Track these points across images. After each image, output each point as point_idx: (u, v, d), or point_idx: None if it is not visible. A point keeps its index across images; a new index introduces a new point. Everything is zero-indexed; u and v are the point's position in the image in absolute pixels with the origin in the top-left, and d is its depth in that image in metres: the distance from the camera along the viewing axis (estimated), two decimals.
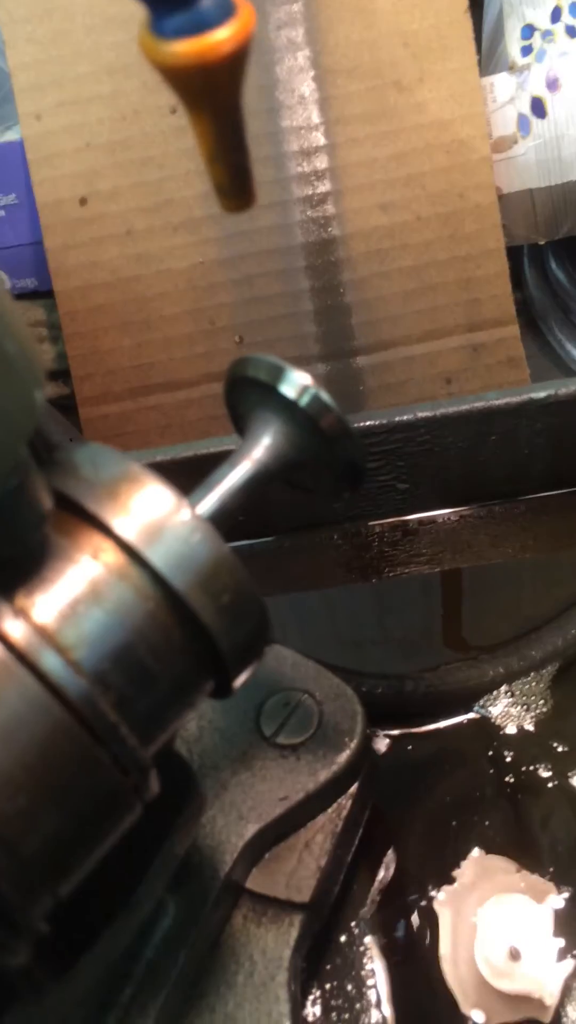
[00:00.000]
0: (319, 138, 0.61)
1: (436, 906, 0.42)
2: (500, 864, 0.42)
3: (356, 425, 0.51)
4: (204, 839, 0.37)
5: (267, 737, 0.39)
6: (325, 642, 0.57)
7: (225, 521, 0.29)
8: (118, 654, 0.23)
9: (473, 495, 0.57)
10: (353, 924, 0.42)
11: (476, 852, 0.44)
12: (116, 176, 0.61)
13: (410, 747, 0.48)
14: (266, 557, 0.60)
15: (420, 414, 0.51)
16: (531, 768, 0.45)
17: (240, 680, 0.27)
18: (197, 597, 0.24)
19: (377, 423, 0.51)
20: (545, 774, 0.45)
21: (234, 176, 0.23)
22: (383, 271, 0.62)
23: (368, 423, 0.51)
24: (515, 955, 0.39)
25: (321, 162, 0.61)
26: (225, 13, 0.21)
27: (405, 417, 0.51)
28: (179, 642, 0.25)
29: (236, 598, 0.25)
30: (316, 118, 0.61)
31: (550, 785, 0.45)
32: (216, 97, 0.22)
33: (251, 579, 0.25)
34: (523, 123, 0.64)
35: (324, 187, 0.61)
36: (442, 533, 0.59)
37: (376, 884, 0.44)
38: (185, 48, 0.21)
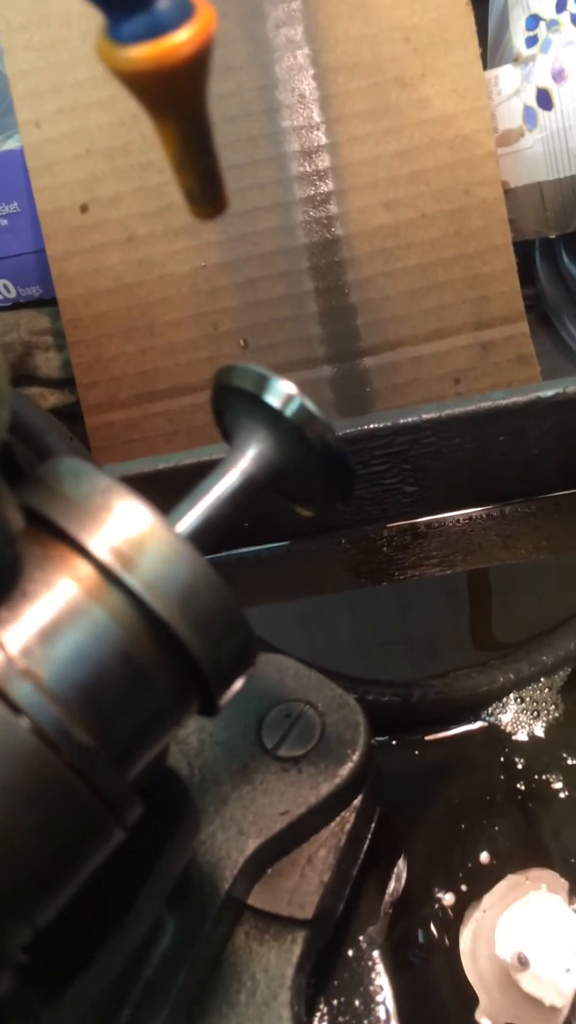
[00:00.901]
0: (320, 137, 0.61)
1: (449, 907, 0.41)
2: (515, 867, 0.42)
3: (360, 428, 0.50)
4: (204, 855, 0.36)
5: (268, 750, 0.39)
6: (333, 648, 0.56)
7: (211, 534, 0.28)
8: (94, 678, 0.23)
9: (483, 496, 0.56)
10: (361, 938, 0.41)
11: (486, 856, 0.43)
12: (117, 182, 0.61)
13: (417, 753, 0.47)
14: (274, 563, 0.59)
15: (425, 416, 0.50)
16: (543, 777, 0.44)
17: (225, 699, 0.26)
18: (176, 617, 0.24)
19: (381, 426, 0.50)
20: (557, 784, 0.44)
21: (203, 182, 0.23)
22: (388, 270, 0.61)
23: (372, 426, 0.51)
24: (525, 961, 0.38)
25: (323, 161, 0.61)
26: (183, 15, 0.20)
27: (410, 419, 0.50)
28: (159, 663, 0.24)
29: (217, 616, 0.24)
30: (317, 117, 0.60)
31: (562, 795, 0.43)
32: (179, 102, 0.21)
33: (233, 596, 0.25)
34: (529, 115, 0.63)
35: (327, 187, 0.61)
36: (452, 535, 0.58)
37: (387, 896, 0.43)
38: (142, 53, 0.20)
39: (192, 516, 0.27)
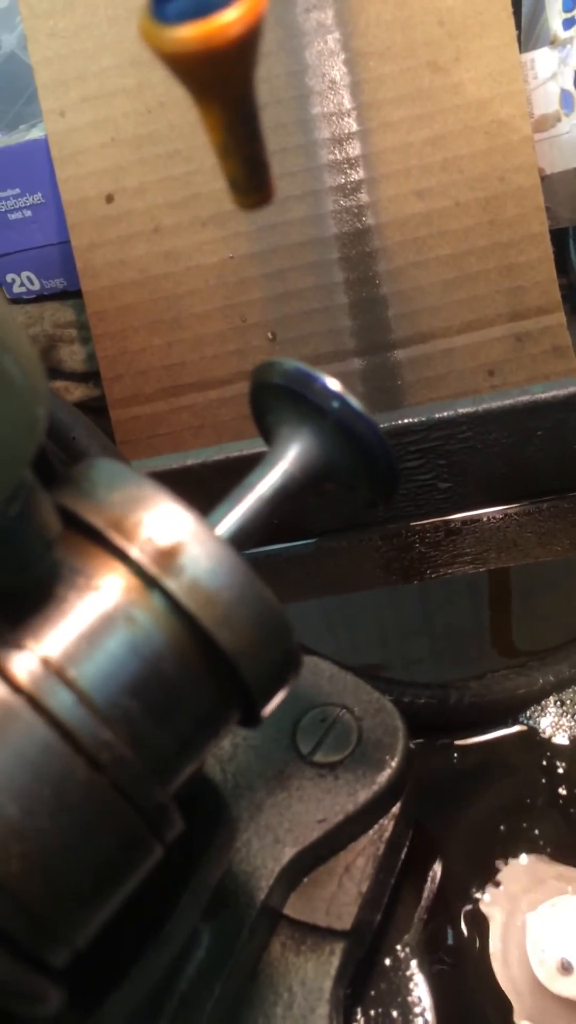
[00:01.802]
0: (351, 124, 0.59)
1: (484, 908, 0.40)
2: (553, 870, 0.41)
3: (394, 423, 0.49)
4: (239, 864, 0.35)
5: (304, 755, 0.38)
6: (366, 647, 0.55)
7: (252, 535, 0.27)
8: (134, 688, 0.22)
9: (519, 492, 0.55)
10: (399, 947, 0.40)
11: (524, 859, 0.42)
12: (142, 172, 0.59)
13: (455, 756, 0.46)
14: (305, 560, 0.58)
15: (461, 410, 0.49)
16: None
17: (268, 710, 0.25)
18: (218, 625, 0.22)
19: (416, 420, 0.49)
20: None
21: (249, 171, 0.22)
22: (420, 260, 0.59)
23: (407, 420, 0.49)
24: (569, 966, 0.37)
25: (354, 149, 0.59)
26: None
27: (445, 414, 0.49)
28: (200, 673, 0.23)
29: (260, 623, 0.23)
30: (348, 103, 0.59)
31: None
32: (226, 85, 0.20)
33: (277, 602, 0.24)
34: (567, 100, 0.61)
35: (357, 175, 0.59)
36: (486, 532, 0.57)
37: (423, 902, 0.42)
38: (189, 33, 0.19)
39: (232, 517, 0.26)
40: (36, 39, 0.59)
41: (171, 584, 0.22)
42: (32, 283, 0.67)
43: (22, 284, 0.67)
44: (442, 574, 0.57)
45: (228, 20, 0.19)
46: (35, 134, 0.63)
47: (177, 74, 0.20)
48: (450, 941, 0.41)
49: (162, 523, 0.23)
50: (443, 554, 0.57)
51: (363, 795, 0.36)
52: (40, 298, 0.68)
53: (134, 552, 0.22)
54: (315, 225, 0.60)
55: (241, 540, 0.27)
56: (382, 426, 0.49)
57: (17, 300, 0.68)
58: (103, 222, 0.61)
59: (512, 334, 0.59)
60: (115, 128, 0.59)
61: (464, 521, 0.56)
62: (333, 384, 0.27)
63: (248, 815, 0.36)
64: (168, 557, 0.23)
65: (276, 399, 0.29)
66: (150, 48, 0.19)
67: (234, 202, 0.23)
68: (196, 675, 0.23)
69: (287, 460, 0.28)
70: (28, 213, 0.64)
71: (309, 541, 0.58)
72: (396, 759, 0.37)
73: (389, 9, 0.58)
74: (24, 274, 0.67)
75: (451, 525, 0.56)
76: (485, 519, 0.56)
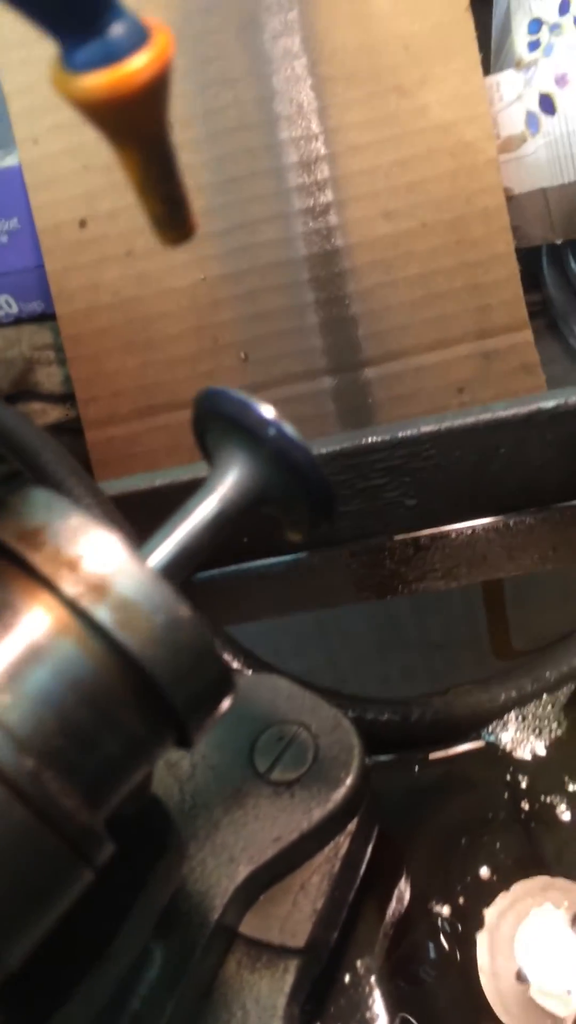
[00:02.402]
0: (319, 148, 0.60)
1: (466, 920, 0.40)
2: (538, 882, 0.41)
3: (358, 442, 0.50)
4: (194, 883, 0.35)
5: (261, 773, 0.38)
6: (335, 663, 0.56)
7: (190, 561, 0.28)
8: (59, 716, 0.22)
9: (486, 508, 0.55)
10: (359, 963, 0.40)
11: (486, 871, 0.42)
12: (115, 197, 0.60)
13: (417, 771, 0.47)
14: (275, 577, 0.59)
15: (424, 429, 0.50)
16: (547, 799, 0.43)
17: (200, 733, 0.26)
18: (144, 651, 0.23)
19: (380, 439, 0.50)
20: (561, 806, 0.43)
21: (168, 208, 0.22)
22: (389, 280, 0.60)
23: (371, 440, 0.50)
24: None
25: (322, 172, 0.60)
26: (139, 40, 0.20)
27: (409, 432, 0.50)
28: (129, 700, 0.23)
29: (187, 649, 0.24)
30: (316, 127, 0.60)
31: (566, 818, 0.42)
32: (138, 129, 0.21)
33: (205, 628, 0.24)
34: (532, 121, 0.62)
35: (326, 197, 0.60)
36: (455, 547, 0.57)
37: (387, 917, 0.42)
38: (96, 81, 0.19)
39: (168, 545, 0.27)
40: (9, 68, 0.61)
41: (97, 612, 0.23)
42: (10, 306, 0.68)
43: (0, 307, 0.68)
44: (413, 589, 0.57)
45: (135, 68, 0.20)
46: (10, 161, 0.64)
47: (90, 120, 0.20)
48: (431, 955, 0.41)
49: (91, 552, 0.24)
50: (413, 570, 0.57)
51: (318, 813, 0.37)
52: (18, 321, 0.69)
53: (60, 581, 0.23)
54: (285, 247, 0.61)
55: (179, 565, 0.27)
56: (347, 445, 0.50)
57: None
58: (77, 246, 0.62)
59: (480, 352, 0.60)
60: (87, 155, 0.60)
61: (432, 537, 0.57)
62: (268, 411, 0.28)
63: (204, 834, 0.37)
64: (95, 585, 0.23)
65: (216, 425, 0.29)
66: (61, 96, 0.20)
67: (158, 238, 0.24)
68: (123, 701, 0.23)
69: (225, 485, 0.29)
70: (4, 239, 0.65)
71: (281, 559, 0.58)
72: (351, 776, 0.37)
73: (355, 35, 0.59)
74: (2, 297, 0.68)
75: (420, 541, 0.57)
76: (453, 535, 0.57)
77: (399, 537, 0.57)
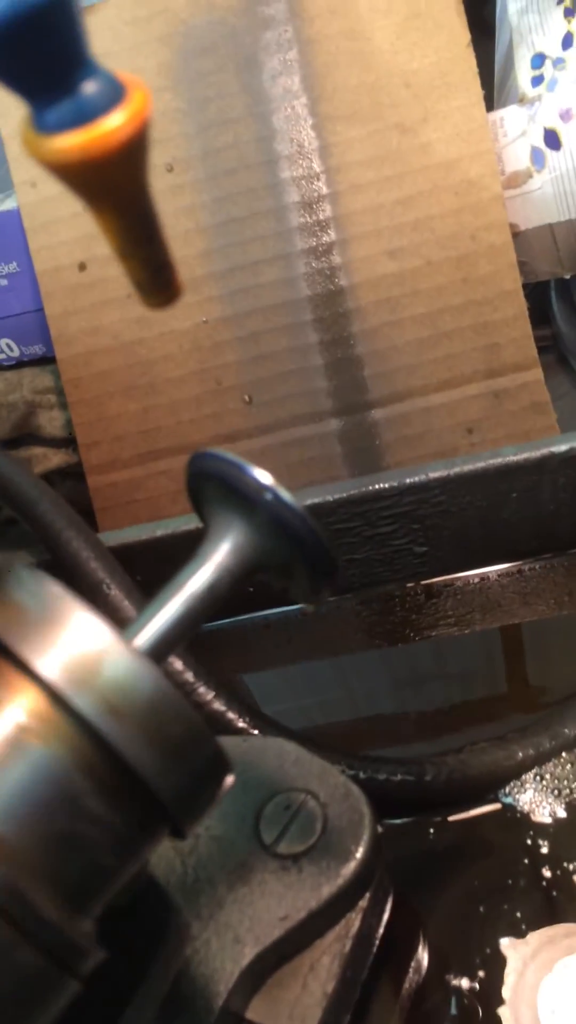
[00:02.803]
0: (321, 187, 0.59)
1: (472, 998, 0.38)
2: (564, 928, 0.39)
3: (365, 489, 0.48)
4: (197, 966, 0.33)
5: (267, 846, 0.36)
6: (346, 715, 0.54)
7: (185, 633, 0.26)
8: (38, 815, 0.21)
9: (498, 554, 0.54)
10: None
11: (506, 942, 0.40)
12: None
13: (432, 833, 0.45)
14: (286, 626, 0.57)
15: (433, 474, 0.48)
16: (568, 866, 0.41)
17: (194, 826, 0.24)
18: (128, 741, 0.21)
19: (387, 486, 0.48)
20: None
21: (150, 272, 0.21)
22: (394, 320, 0.59)
23: (378, 486, 0.48)
24: None
25: (324, 212, 0.59)
26: (114, 98, 0.18)
27: (417, 478, 0.48)
28: (114, 796, 0.22)
29: (174, 737, 0.22)
30: (317, 167, 0.59)
31: None
32: (114, 192, 0.19)
33: (194, 714, 0.22)
34: (537, 156, 0.61)
35: (329, 237, 0.59)
36: (468, 594, 0.55)
37: (403, 990, 0.40)
38: (69, 143, 0.18)
39: (159, 622, 0.25)
40: (7, 113, 0.60)
41: (77, 700, 0.21)
42: (11, 349, 0.67)
43: (1, 351, 0.67)
44: (426, 636, 0.55)
45: (109, 128, 0.18)
46: (9, 205, 0.63)
47: (64, 182, 0.19)
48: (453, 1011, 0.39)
49: (71, 635, 0.22)
50: (425, 616, 0.55)
51: (327, 890, 0.35)
52: (19, 364, 0.68)
53: (39, 666, 0.21)
54: (288, 287, 0.59)
55: (171, 642, 0.25)
56: (353, 492, 0.48)
57: None
58: (76, 290, 0.61)
59: (490, 391, 0.59)
60: None
61: (444, 584, 0.55)
62: (263, 476, 0.26)
63: (208, 912, 0.35)
64: (75, 671, 0.22)
65: (209, 490, 0.28)
66: (33, 159, 0.19)
67: (141, 302, 0.22)
68: (108, 797, 0.22)
69: (220, 553, 0.27)
70: (4, 282, 0.64)
71: (287, 608, 0.57)
72: (362, 849, 0.35)
73: (355, 73, 0.58)
74: (3, 341, 0.67)
75: (432, 588, 0.55)
76: (466, 581, 0.55)
77: (409, 584, 0.55)
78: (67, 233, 0.60)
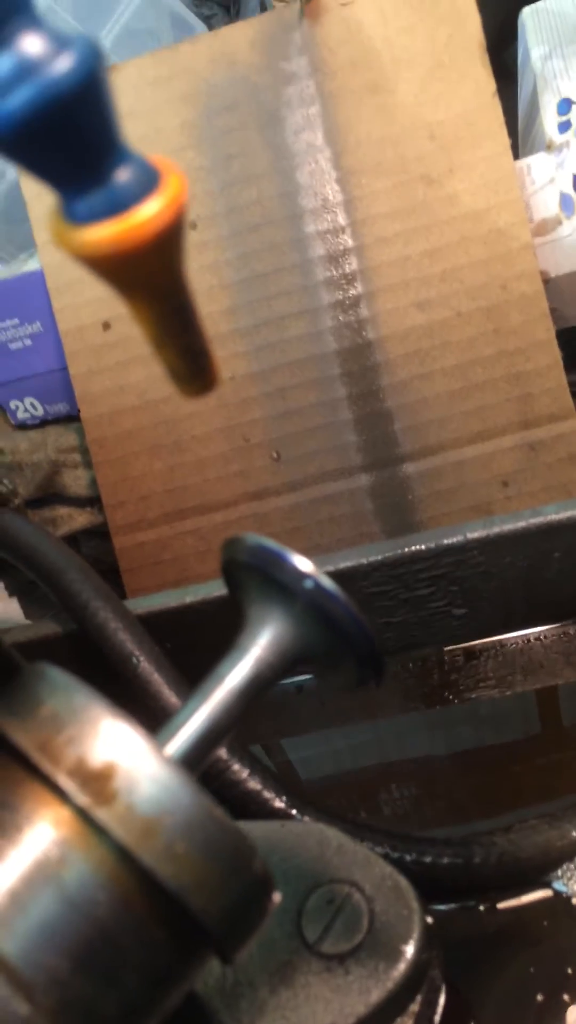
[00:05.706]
0: (347, 240, 0.58)
1: None
2: None
3: (401, 551, 0.47)
4: None
5: (310, 944, 0.34)
6: (385, 783, 0.51)
7: (220, 736, 0.24)
8: (64, 946, 0.19)
9: (541, 616, 0.51)
10: None
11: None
12: None
13: (483, 915, 0.42)
14: (315, 693, 0.55)
15: (471, 535, 0.46)
16: None
17: (243, 947, 0.22)
18: (159, 858, 0.20)
19: (423, 548, 0.46)
20: None
21: (187, 361, 0.20)
22: (424, 372, 0.58)
23: (414, 548, 0.47)
24: None
25: (350, 265, 0.58)
26: (148, 185, 0.17)
27: (455, 539, 0.46)
28: (146, 918, 0.20)
29: (211, 852, 0.20)
30: (342, 220, 0.58)
31: None
32: (149, 283, 0.18)
33: (232, 824, 0.21)
34: (566, 202, 0.60)
35: (355, 290, 0.58)
36: (509, 655, 0.53)
37: None
38: (100, 234, 0.17)
39: (195, 722, 0.24)
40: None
41: (102, 814, 0.20)
42: (36, 408, 0.67)
43: (25, 410, 0.67)
44: (464, 698, 0.53)
45: (144, 218, 0.17)
46: (32, 265, 0.63)
47: (97, 274, 0.18)
48: None
49: (96, 742, 0.20)
50: (464, 679, 0.53)
51: (376, 994, 0.32)
52: (44, 423, 0.67)
53: (62, 778, 0.20)
54: (314, 342, 0.58)
55: (209, 743, 0.24)
56: (388, 555, 0.46)
57: (22, 426, 0.68)
58: (100, 349, 0.60)
59: (525, 443, 0.57)
60: None
61: (484, 646, 0.53)
62: (303, 563, 0.24)
63: (248, 1019, 0.32)
64: (100, 781, 0.20)
65: (246, 576, 0.26)
66: (63, 251, 0.18)
67: (177, 391, 0.21)
68: (141, 921, 0.20)
69: (259, 646, 0.25)
70: (28, 342, 0.64)
71: None
72: (412, 948, 0.33)
73: (378, 127, 0.58)
74: (27, 400, 0.66)
75: (472, 649, 0.53)
76: (507, 643, 0.53)
77: (448, 647, 0.53)
78: (91, 292, 0.59)
